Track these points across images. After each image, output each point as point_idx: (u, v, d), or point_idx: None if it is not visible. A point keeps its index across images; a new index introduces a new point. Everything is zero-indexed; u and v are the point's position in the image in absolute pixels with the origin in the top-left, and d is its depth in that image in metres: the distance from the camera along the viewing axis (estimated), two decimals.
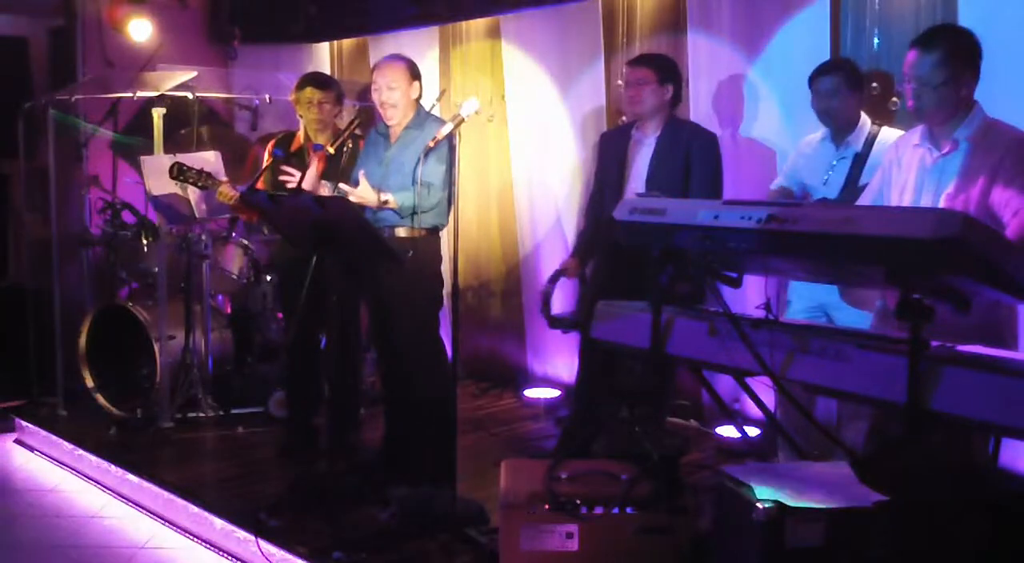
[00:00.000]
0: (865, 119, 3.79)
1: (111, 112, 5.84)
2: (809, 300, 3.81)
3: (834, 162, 3.78)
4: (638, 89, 4.06)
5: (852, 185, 3.67)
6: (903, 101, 3.24)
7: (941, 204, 2.93)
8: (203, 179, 4.49)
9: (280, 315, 5.45)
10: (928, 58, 2.90)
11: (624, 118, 4.92)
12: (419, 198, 3.87)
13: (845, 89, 3.72)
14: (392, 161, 4.02)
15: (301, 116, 4.51)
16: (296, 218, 3.82)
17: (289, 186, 4.21)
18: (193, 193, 4.86)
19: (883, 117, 3.90)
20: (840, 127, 3.79)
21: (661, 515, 2.85)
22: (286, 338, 5.04)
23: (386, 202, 3.88)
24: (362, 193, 3.83)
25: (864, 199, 3.31)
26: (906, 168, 3.09)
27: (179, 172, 4.50)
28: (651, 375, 3.26)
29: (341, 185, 3.91)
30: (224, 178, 4.59)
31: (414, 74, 4.04)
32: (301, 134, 4.55)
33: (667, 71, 4.07)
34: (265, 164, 4.43)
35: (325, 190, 4.16)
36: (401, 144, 4.04)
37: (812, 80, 3.79)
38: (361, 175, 3.88)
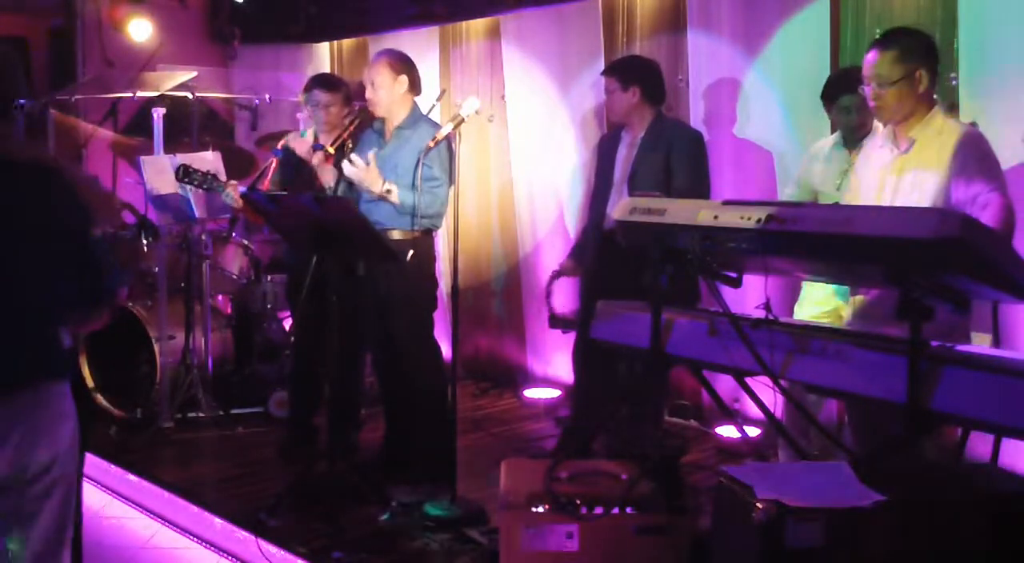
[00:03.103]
0: (877, 124, 3.78)
1: (111, 112, 5.84)
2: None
3: (845, 165, 3.77)
4: (608, 97, 4.18)
5: None
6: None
7: (897, 201, 2.96)
8: (208, 181, 4.48)
9: (280, 315, 5.44)
10: (884, 56, 2.97)
11: None
12: (419, 202, 3.88)
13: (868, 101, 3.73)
14: (386, 161, 4.01)
15: (309, 117, 4.52)
16: (296, 218, 3.82)
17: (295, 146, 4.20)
18: (193, 193, 4.86)
19: None
20: (855, 134, 3.79)
21: (661, 515, 2.85)
22: (290, 338, 5.04)
23: (388, 191, 3.87)
24: (370, 175, 3.83)
25: (843, 201, 3.34)
26: (871, 168, 3.13)
27: (185, 174, 4.49)
28: (646, 375, 3.26)
29: (347, 161, 3.89)
30: (232, 180, 4.58)
31: (397, 69, 4.02)
32: (311, 134, 4.56)
33: (629, 74, 4.09)
34: (267, 164, 4.43)
35: (328, 175, 4.13)
36: (395, 145, 4.04)
37: (832, 97, 3.78)
38: (371, 155, 3.87)
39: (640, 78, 4.08)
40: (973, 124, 3.17)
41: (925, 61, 2.96)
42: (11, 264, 2.16)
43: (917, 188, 2.93)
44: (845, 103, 3.74)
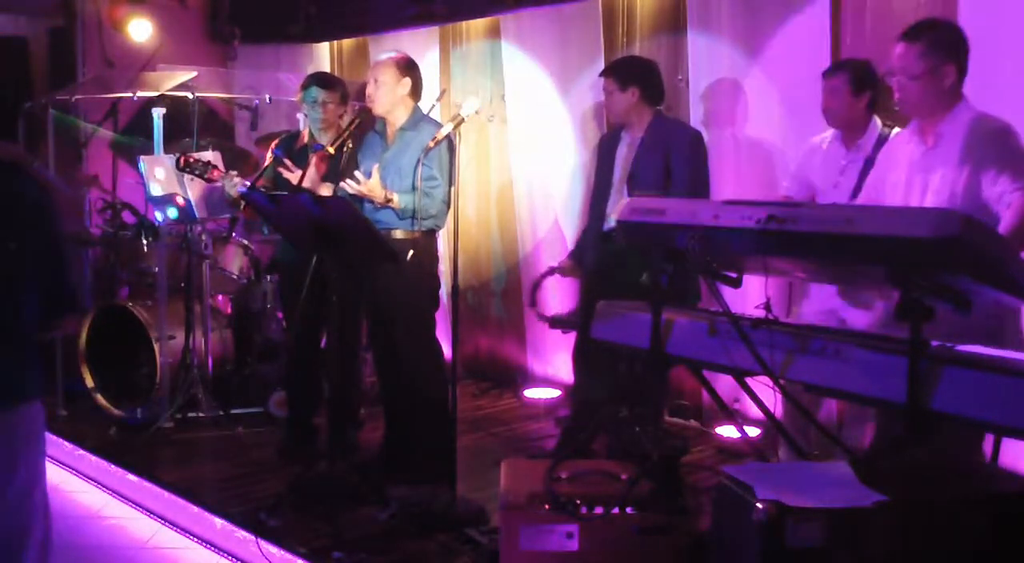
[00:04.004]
0: (876, 121, 3.78)
1: (111, 112, 5.84)
2: (820, 303, 3.81)
3: (843, 162, 3.77)
4: (607, 98, 4.18)
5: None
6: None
7: (928, 198, 2.95)
8: (208, 170, 4.46)
9: (280, 315, 5.45)
10: (910, 49, 2.94)
11: None
12: (419, 204, 3.88)
13: (847, 90, 3.71)
14: (390, 164, 4.02)
15: (305, 115, 4.51)
16: (296, 218, 3.82)
17: (289, 178, 4.21)
18: (193, 193, 4.85)
19: (889, 118, 3.89)
20: (845, 128, 3.77)
21: (661, 515, 2.85)
22: (287, 338, 5.04)
23: (390, 200, 3.90)
24: (372, 187, 3.85)
25: (861, 198, 3.32)
26: (897, 164, 3.12)
27: (185, 164, 4.47)
28: (647, 375, 3.26)
29: (349, 181, 3.90)
30: (232, 171, 4.57)
31: (402, 70, 4.04)
32: (305, 133, 4.56)
33: (627, 75, 4.09)
34: (266, 164, 4.43)
35: (326, 191, 4.17)
36: (398, 147, 4.05)
37: (823, 76, 3.79)
38: (375, 169, 3.90)
39: (638, 78, 4.08)
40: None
41: (953, 56, 2.93)
42: None
43: (948, 185, 2.91)
44: (826, 86, 3.75)
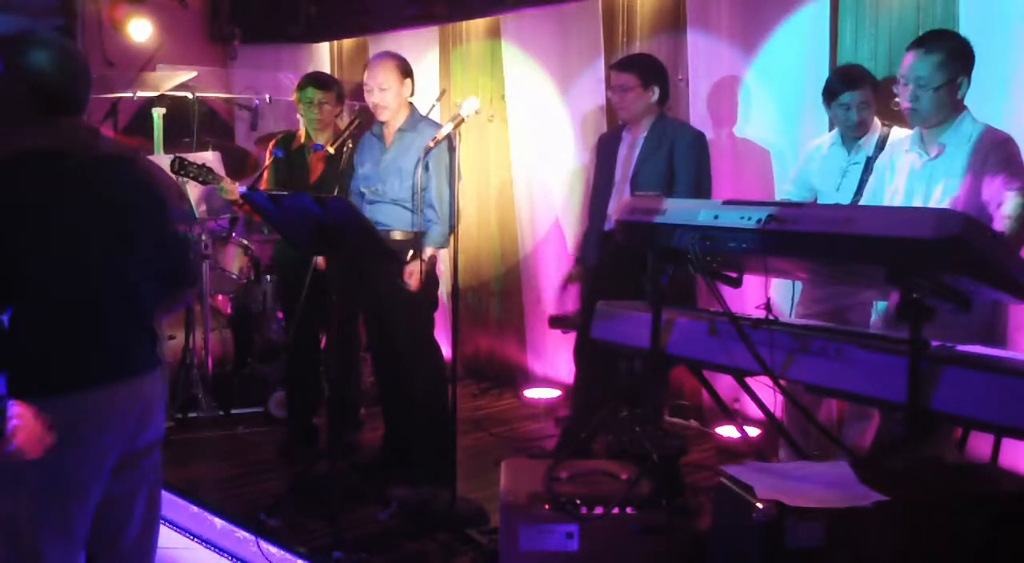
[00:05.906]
0: (876, 121, 3.77)
1: (111, 112, 5.84)
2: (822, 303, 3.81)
3: (844, 164, 3.76)
4: (623, 94, 4.07)
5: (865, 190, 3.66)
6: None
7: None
8: (204, 174, 4.46)
9: (280, 315, 5.45)
10: (928, 60, 2.93)
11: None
12: (439, 217, 3.89)
13: (871, 100, 3.70)
14: (390, 166, 4.02)
15: (302, 116, 4.51)
16: (296, 218, 3.82)
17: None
18: (193, 193, 4.86)
19: (886, 117, 3.89)
20: (856, 132, 3.77)
21: (661, 515, 2.85)
22: (287, 338, 5.04)
23: (433, 256, 3.92)
24: (411, 270, 3.85)
25: (863, 203, 3.33)
26: (897, 173, 3.12)
27: (180, 167, 4.47)
28: (647, 375, 3.26)
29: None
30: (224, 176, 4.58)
31: (404, 72, 4.02)
32: (302, 133, 4.56)
33: (651, 73, 4.05)
34: (265, 164, 4.43)
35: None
36: (397, 148, 4.03)
37: (833, 94, 3.71)
38: (408, 271, 3.85)
39: (659, 78, 4.06)
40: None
41: (966, 68, 2.96)
42: (128, 254, 2.25)
43: (949, 195, 2.92)
44: (845, 100, 3.70)
